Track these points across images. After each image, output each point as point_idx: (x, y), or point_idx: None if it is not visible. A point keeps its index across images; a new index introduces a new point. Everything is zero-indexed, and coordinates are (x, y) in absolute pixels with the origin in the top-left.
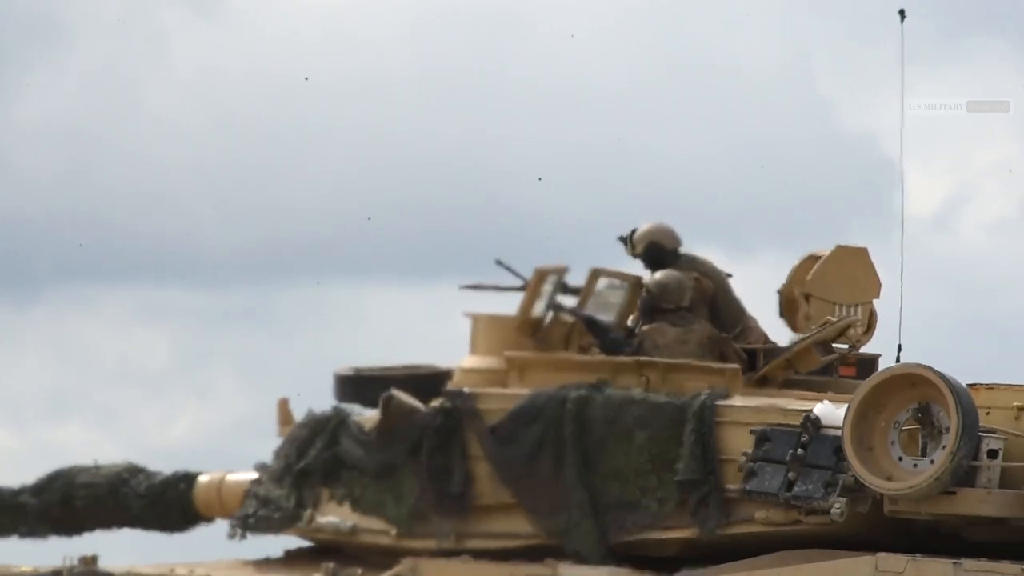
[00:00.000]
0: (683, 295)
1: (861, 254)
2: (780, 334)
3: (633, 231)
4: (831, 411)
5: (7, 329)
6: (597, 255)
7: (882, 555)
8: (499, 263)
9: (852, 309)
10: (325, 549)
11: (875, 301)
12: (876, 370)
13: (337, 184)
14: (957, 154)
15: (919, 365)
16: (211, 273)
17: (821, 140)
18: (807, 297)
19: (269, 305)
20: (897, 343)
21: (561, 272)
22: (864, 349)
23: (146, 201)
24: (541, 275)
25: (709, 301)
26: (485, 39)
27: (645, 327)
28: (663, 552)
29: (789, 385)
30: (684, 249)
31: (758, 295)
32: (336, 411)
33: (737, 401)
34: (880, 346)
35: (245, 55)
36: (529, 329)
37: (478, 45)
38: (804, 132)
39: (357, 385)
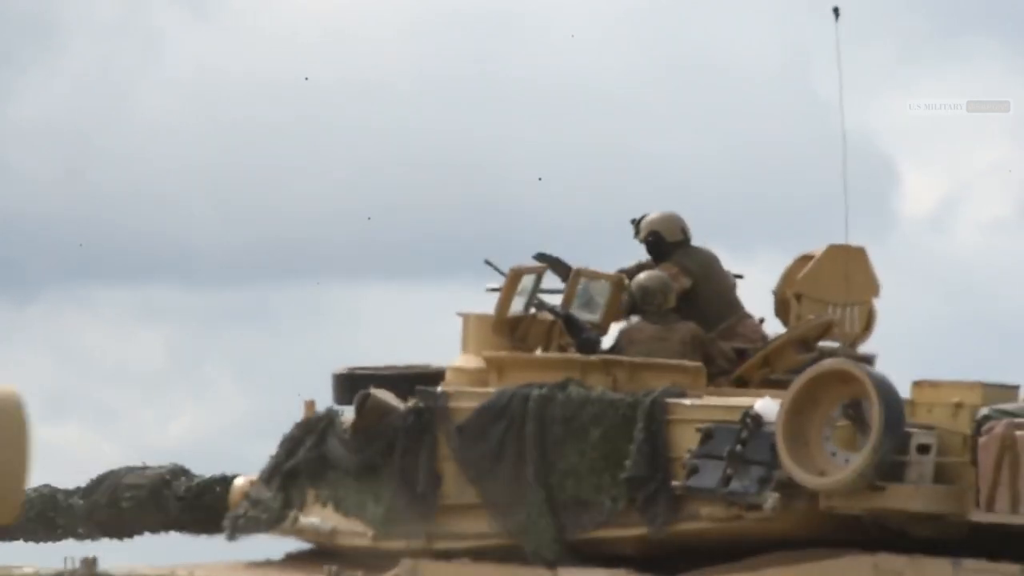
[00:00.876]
0: (666, 297)
1: (858, 254)
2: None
3: (644, 216)
4: (772, 407)
5: (5, 329)
6: (597, 255)
7: (882, 555)
8: (488, 263)
9: (848, 309)
10: (326, 551)
11: (875, 301)
12: None
13: (337, 184)
14: (954, 155)
15: (845, 361)
16: (209, 273)
17: (819, 141)
18: (798, 297)
19: (267, 305)
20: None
21: (539, 271)
22: (866, 348)
23: (143, 201)
24: (516, 275)
25: (684, 297)
26: (485, 39)
27: (624, 324)
28: (618, 550)
29: (772, 385)
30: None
31: (757, 296)
32: (327, 411)
33: (686, 399)
34: (884, 345)
35: (242, 56)
36: (505, 329)
37: (478, 45)
38: (802, 133)
39: (354, 385)
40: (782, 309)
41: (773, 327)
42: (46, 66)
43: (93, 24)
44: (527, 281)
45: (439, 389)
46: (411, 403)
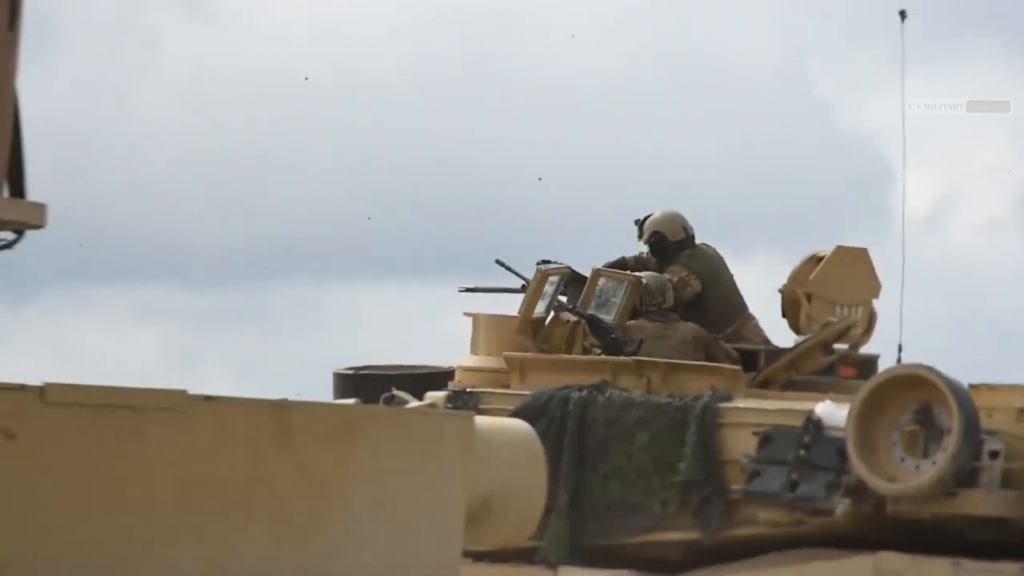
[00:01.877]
0: (665, 297)
1: (862, 255)
2: (781, 334)
3: (647, 216)
4: (833, 412)
5: (4, 329)
6: (597, 255)
7: (882, 555)
8: (499, 263)
9: (852, 309)
10: None
11: (875, 302)
12: (876, 370)
13: (337, 184)
14: (951, 155)
15: (920, 366)
16: (208, 273)
17: (818, 141)
18: (809, 297)
19: (266, 305)
20: (898, 343)
21: (564, 273)
22: (864, 349)
23: (141, 201)
24: (544, 276)
25: (695, 300)
26: (485, 39)
27: (627, 323)
28: (667, 555)
29: (791, 386)
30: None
31: (751, 295)
32: None
33: (739, 403)
34: (879, 346)
35: (241, 56)
36: (530, 329)
37: (478, 45)
38: (801, 133)
39: (357, 384)
40: (791, 309)
41: (771, 326)
42: (45, 66)
43: (92, 24)
44: (551, 283)
45: (469, 389)
46: (440, 403)
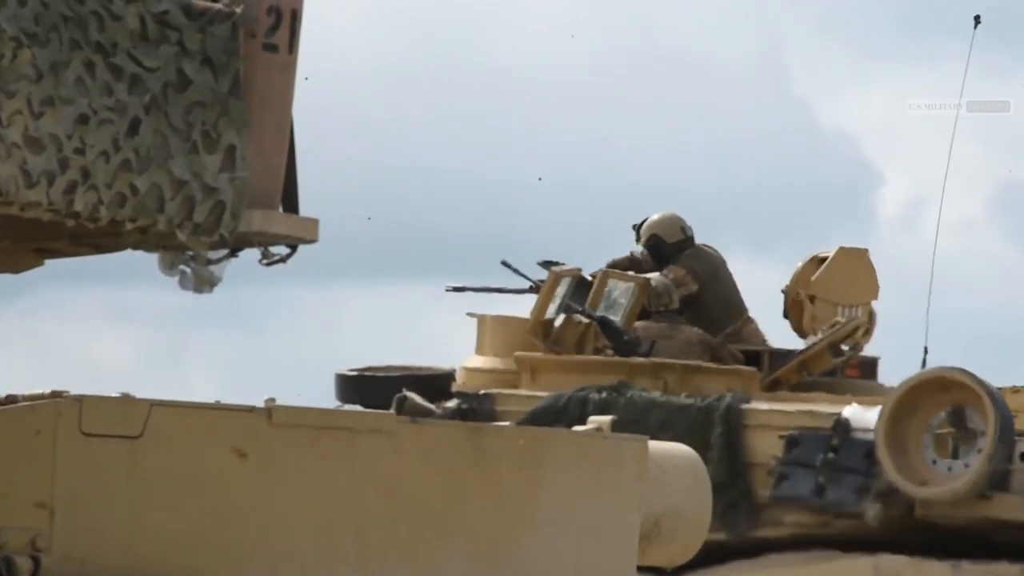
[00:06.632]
0: (671, 299)
1: (862, 255)
2: (780, 335)
3: (644, 220)
4: (861, 414)
5: None
6: (596, 255)
7: (882, 556)
8: (505, 264)
9: (853, 310)
10: None
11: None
12: (877, 372)
13: (335, 183)
14: (927, 155)
15: (954, 369)
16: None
17: (798, 140)
18: (812, 299)
19: (251, 306)
20: (923, 346)
21: (576, 274)
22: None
23: None
24: (556, 277)
25: (692, 301)
26: (484, 37)
27: (634, 324)
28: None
29: (800, 387)
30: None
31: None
32: None
33: (763, 404)
34: (877, 347)
35: None
36: (541, 331)
37: (478, 44)
38: (780, 131)
39: (360, 386)
40: (794, 310)
41: (768, 327)
42: None
43: None
44: (563, 285)
45: (483, 391)
46: (453, 404)
